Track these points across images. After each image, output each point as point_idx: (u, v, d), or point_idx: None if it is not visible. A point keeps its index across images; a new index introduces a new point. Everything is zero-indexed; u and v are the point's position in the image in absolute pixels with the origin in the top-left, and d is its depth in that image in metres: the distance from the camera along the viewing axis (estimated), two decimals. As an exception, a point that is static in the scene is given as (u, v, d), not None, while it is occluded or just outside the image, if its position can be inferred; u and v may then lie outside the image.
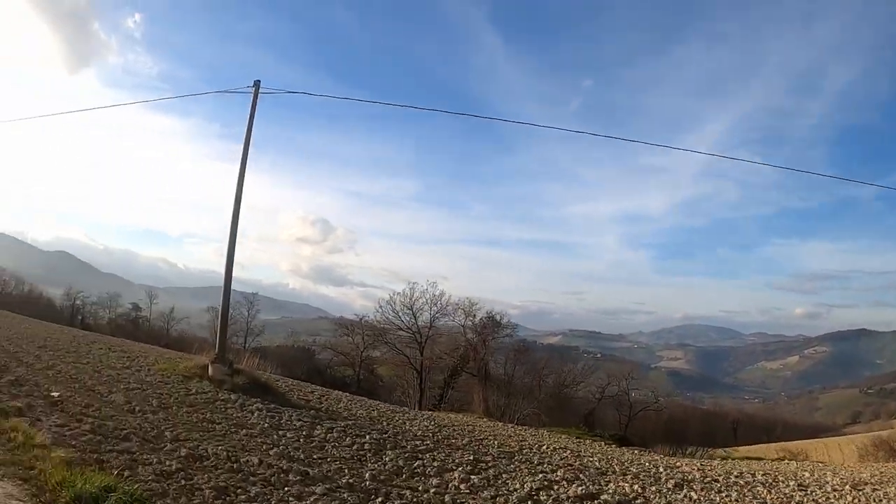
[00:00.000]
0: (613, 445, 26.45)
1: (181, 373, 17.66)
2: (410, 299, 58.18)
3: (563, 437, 25.48)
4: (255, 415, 13.65)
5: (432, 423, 19.14)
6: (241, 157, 20.29)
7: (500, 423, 25.83)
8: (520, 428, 24.69)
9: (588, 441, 25.60)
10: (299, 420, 13.90)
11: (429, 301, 57.74)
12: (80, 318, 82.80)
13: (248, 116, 20.23)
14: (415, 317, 58.11)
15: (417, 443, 13.98)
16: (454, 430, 18.26)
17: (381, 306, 59.79)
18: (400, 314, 58.51)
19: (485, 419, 28.09)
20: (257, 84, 20.26)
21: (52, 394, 11.38)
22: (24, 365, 14.57)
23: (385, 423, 16.75)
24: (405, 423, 18.03)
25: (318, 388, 24.26)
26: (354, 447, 12.11)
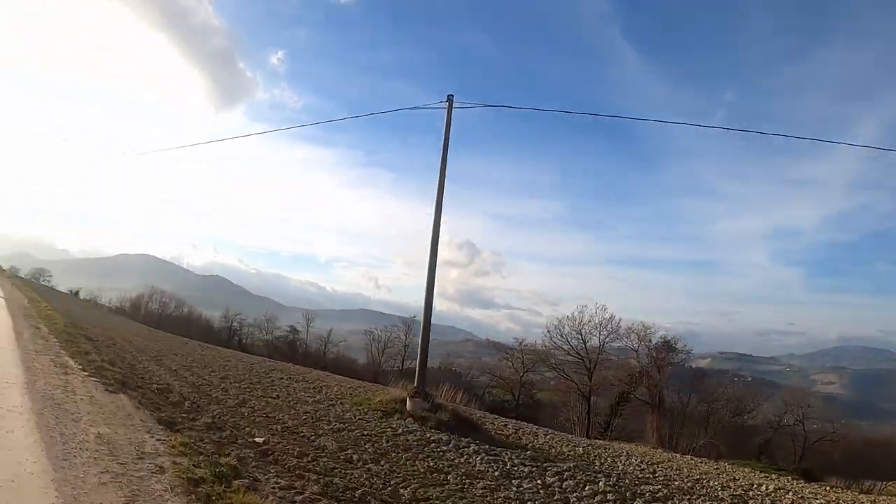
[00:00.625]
0: (802, 481, 26.19)
1: (378, 408, 17.63)
2: (579, 323, 58.57)
3: (748, 471, 25.43)
4: (478, 460, 13.05)
5: (641, 461, 19.22)
6: (438, 175, 20.33)
7: (688, 457, 24.94)
8: (709, 463, 23.80)
9: (775, 475, 24.58)
10: (522, 464, 13.30)
11: (598, 325, 57.75)
12: (237, 339, 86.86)
13: (444, 132, 20.32)
14: (584, 341, 58.22)
15: (649, 487, 13.70)
16: (669, 469, 18.39)
17: (548, 330, 60.53)
18: (568, 338, 58.76)
19: (659, 450, 26.33)
20: (450, 98, 20.35)
21: (257, 440, 10.45)
22: (215, 401, 14.46)
23: (598, 463, 16.74)
24: (616, 461, 18.02)
25: (507, 420, 24.39)
26: (597, 498, 11.47)
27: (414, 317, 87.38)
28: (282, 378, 23.03)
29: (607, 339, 58.08)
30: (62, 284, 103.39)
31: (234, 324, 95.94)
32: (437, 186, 20.23)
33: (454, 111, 20.55)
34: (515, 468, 12.72)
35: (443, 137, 20.29)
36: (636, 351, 58.60)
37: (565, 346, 58.96)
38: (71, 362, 14.51)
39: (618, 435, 46.60)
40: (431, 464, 11.73)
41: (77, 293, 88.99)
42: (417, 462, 11.64)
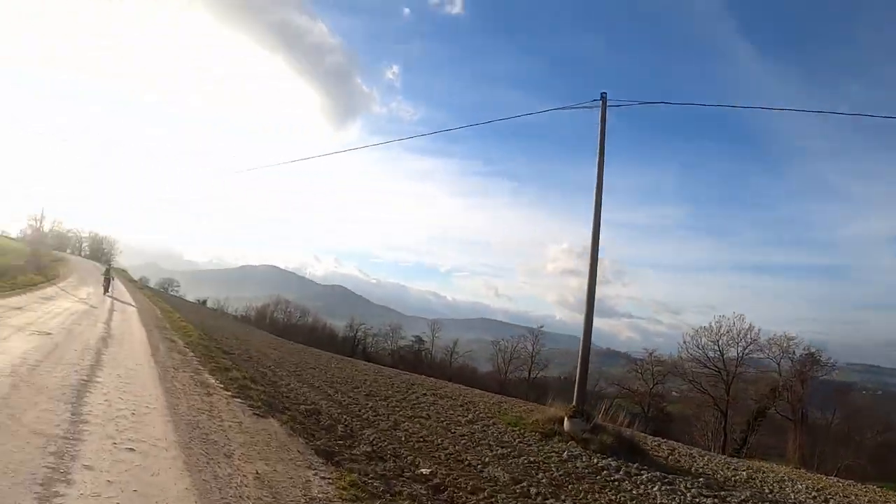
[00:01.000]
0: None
1: (534, 428, 16.82)
2: (717, 334, 57.09)
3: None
4: (655, 490, 12.32)
5: (807, 486, 17.54)
6: (596, 176, 19.37)
7: (834, 479, 23.62)
8: (858, 486, 21.15)
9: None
10: (702, 494, 12.62)
11: (736, 336, 56.21)
12: (361, 348, 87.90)
13: (599, 132, 19.44)
14: (721, 352, 56.76)
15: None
16: (839, 497, 16.89)
17: (684, 341, 59.34)
18: (706, 349, 57.66)
19: (802, 470, 24.51)
20: (604, 96, 19.62)
21: (423, 471, 9.87)
22: (367, 423, 13.89)
23: (767, 489, 15.64)
24: (783, 487, 16.63)
25: (656, 438, 23.31)
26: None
27: (541, 326, 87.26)
28: (425, 394, 22.54)
29: (746, 351, 56.12)
30: (189, 294, 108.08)
31: (359, 333, 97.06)
32: (594, 189, 19.46)
33: (608, 110, 19.57)
34: (697, 500, 12.11)
35: (598, 138, 19.42)
36: (778, 363, 56.39)
37: (702, 358, 57.35)
38: (211, 380, 14.17)
39: (753, 452, 43.82)
40: (612, 496, 11.15)
41: (204, 302, 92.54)
42: (597, 495, 11.09)
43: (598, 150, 19.25)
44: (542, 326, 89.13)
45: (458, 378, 57.64)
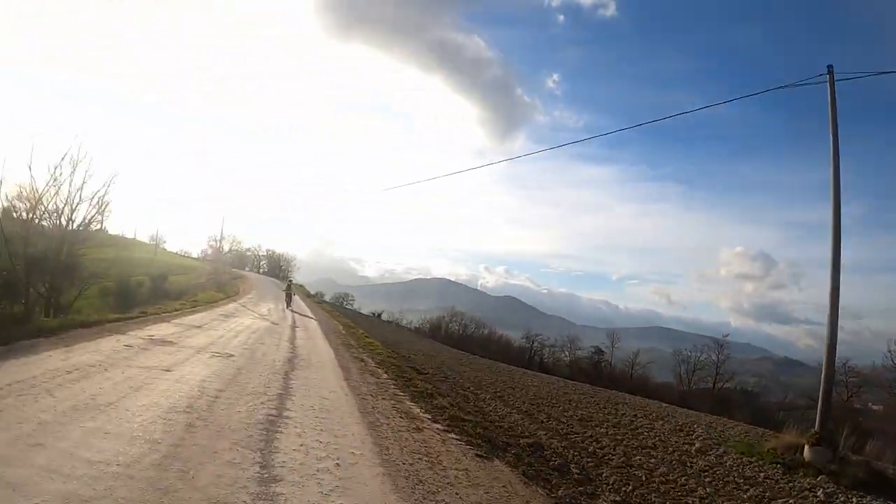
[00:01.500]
0: None
1: (772, 459, 14.48)
2: None
3: None
4: None
5: None
6: (831, 160, 16.79)
7: None
8: None
9: None
10: None
11: None
12: (537, 359, 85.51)
13: (830, 111, 16.91)
14: None
15: None
16: None
17: (889, 350, 53.07)
18: None
19: None
20: (830, 70, 17.16)
21: None
22: (599, 460, 11.87)
23: None
24: None
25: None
26: None
27: (727, 335, 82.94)
28: (635, 416, 20.85)
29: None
30: (363, 308, 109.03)
31: (535, 344, 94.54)
32: (831, 179, 16.83)
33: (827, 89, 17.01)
34: None
35: (829, 118, 16.92)
36: None
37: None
38: (416, 409, 12.34)
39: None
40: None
41: (379, 315, 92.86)
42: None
43: (830, 135, 16.80)
44: (727, 335, 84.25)
45: (637, 390, 54.94)
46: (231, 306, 33.93)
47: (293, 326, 27.71)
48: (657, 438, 16.13)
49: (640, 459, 12.67)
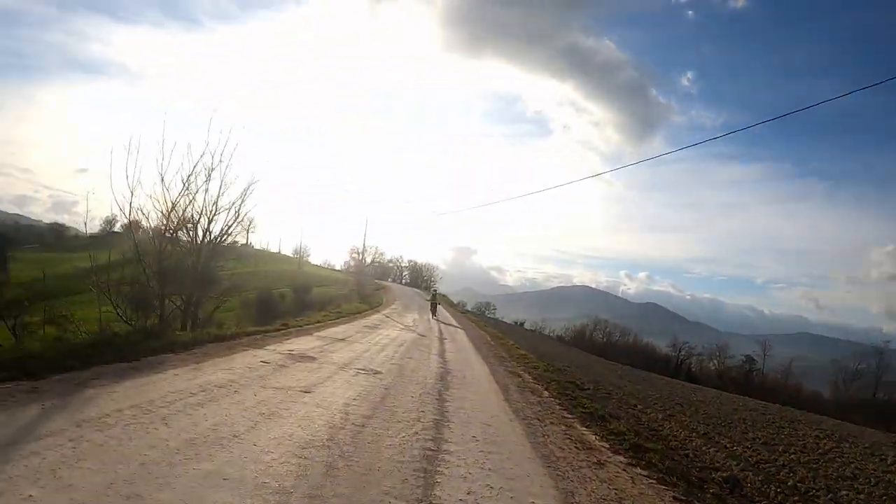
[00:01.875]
0: None
1: None
2: None
3: None
4: None
5: None
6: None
7: None
8: None
9: None
10: None
11: None
12: (685, 368, 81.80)
13: None
14: None
15: None
16: None
17: None
18: None
19: None
20: None
21: None
22: (780, 484, 10.67)
23: None
24: None
25: None
26: None
27: (888, 342, 76.78)
28: (817, 436, 19.37)
29: None
30: (505, 317, 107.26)
31: (682, 352, 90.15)
32: None
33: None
34: None
35: None
36: None
37: None
38: (590, 436, 10.57)
39: None
40: None
41: (522, 324, 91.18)
42: None
43: None
44: (888, 342, 77.43)
45: (791, 401, 51.85)
46: (375, 317, 32.91)
47: (441, 338, 26.35)
48: (853, 466, 14.63)
49: (847, 495, 11.03)
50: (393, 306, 46.38)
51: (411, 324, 31.73)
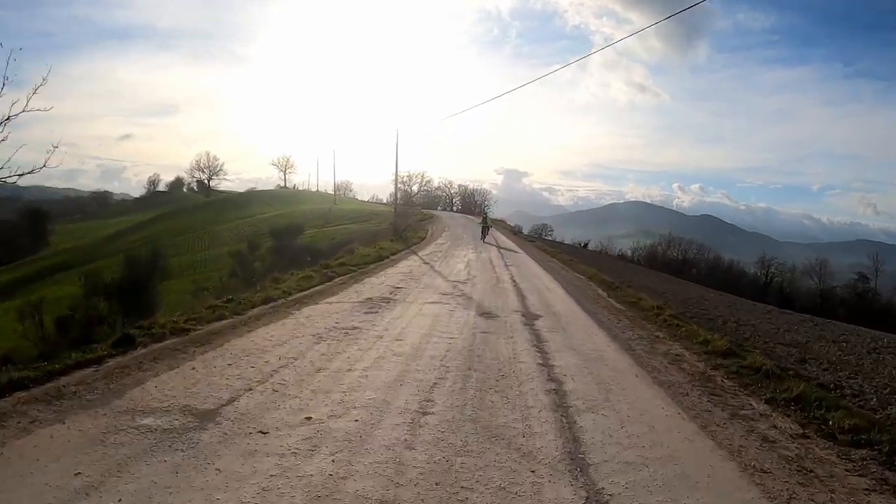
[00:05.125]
0: None
1: None
2: None
3: None
4: None
5: None
6: None
7: None
8: None
9: None
10: None
11: None
12: (777, 289, 68.52)
13: None
14: None
15: None
16: None
17: None
18: None
19: None
20: None
21: None
22: None
23: None
24: None
25: None
26: None
27: None
28: None
29: None
30: (565, 237, 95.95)
31: (772, 271, 76.89)
32: None
33: None
34: None
35: None
36: None
37: None
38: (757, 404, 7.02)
39: None
40: None
41: (585, 245, 79.36)
42: None
43: None
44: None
45: None
46: (403, 267, 20.92)
47: (516, 286, 17.23)
48: None
49: None
50: (439, 241, 34.64)
51: (463, 277, 18.87)
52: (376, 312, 11.62)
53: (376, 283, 16.14)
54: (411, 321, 10.91)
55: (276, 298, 12.44)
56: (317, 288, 14.54)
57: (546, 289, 16.89)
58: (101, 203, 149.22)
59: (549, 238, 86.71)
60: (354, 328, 9.96)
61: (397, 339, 9.25)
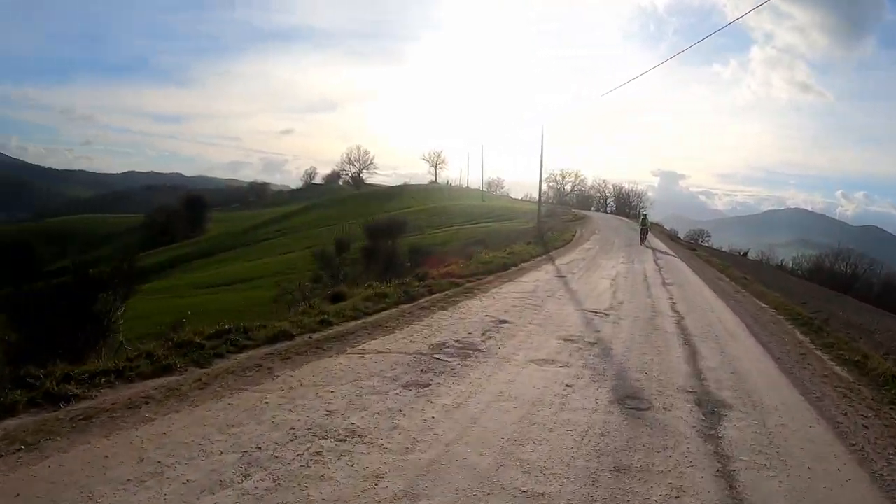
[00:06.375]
0: None
1: None
2: None
3: None
4: None
5: None
6: None
7: None
8: None
9: None
10: None
11: None
12: None
13: None
14: None
15: None
16: None
17: None
18: None
19: None
20: None
21: None
22: None
23: None
24: None
25: None
26: None
27: None
28: None
29: None
30: (717, 244, 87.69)
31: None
32: None
33: None
34: None
35: None
36: None
37: None
38: None
39: None
40: None
41: (745, 254, 70.83)
42: None
43: None
44: None
45: None
46: (535, 279, 15.87)
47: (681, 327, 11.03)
48: None
49: None
50: (585, 246, 28.79)
51: (605, 303, 12.81)
52: (429, 384, 6.39)
53: (472, 311, 10.88)
54: (479, 417, 5.54)
55: (290, 335, 7.76)
56: (374, 317, 9.55)
57: (727, 333, 10.65)
58: (258, 193, 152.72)
59: (706, 244, 79.42)
60: (347, 436, 4.88)
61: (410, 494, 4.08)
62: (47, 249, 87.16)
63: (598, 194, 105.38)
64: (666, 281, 18.04)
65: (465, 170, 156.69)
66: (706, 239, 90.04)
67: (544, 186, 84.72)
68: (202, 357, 6.58)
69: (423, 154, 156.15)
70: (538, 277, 16.45)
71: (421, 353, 7.65)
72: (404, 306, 10.70)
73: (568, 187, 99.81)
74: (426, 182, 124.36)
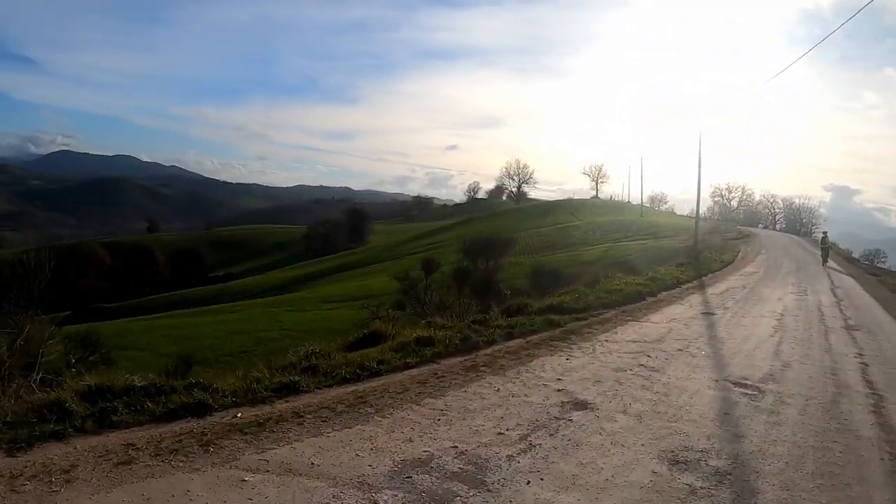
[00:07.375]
0: None
1: None
2: None
3: None
4: None
5: None
6: None
7: None
8: None
9: None
10: None
11: None
12: None
13: None
14: None
15: None
16: None
17: None
18: None
19: None
20: None
21: None
22: None
23: None
24: None
25: None
26: None
27: None
28: None
29: None
30: (893, 265, 77.86)
31: None
32: None
33: None
34: None
35: None
36: None
37: None
38: None
39: None
40: None
41: (932, 282, 61.34)
42: None
43: None
44: None
45: None
46: (658, 322, 11.36)
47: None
48: None
49: None
50: (748, 269, 24.48)
51: (761, 366, 8.28)
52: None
53: (543, 379, 7.06)
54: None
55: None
56: (365, 385, 6.39)
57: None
58: (422, 207, 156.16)
59: (883, 266, 70.59)
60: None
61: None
62: (216, 257, 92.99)
63: (767, 210, 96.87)
64: (850, 325, 12.87)
65: (626, 184, 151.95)
66: (882, 259, 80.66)
67: (709, 202, 77.83)
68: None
69: (583, 168, 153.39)
70: (676, 315, 12.55)
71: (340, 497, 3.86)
72: (446, 361, 7.55)
73: (734, 202, 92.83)
74: (589, 197, 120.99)
